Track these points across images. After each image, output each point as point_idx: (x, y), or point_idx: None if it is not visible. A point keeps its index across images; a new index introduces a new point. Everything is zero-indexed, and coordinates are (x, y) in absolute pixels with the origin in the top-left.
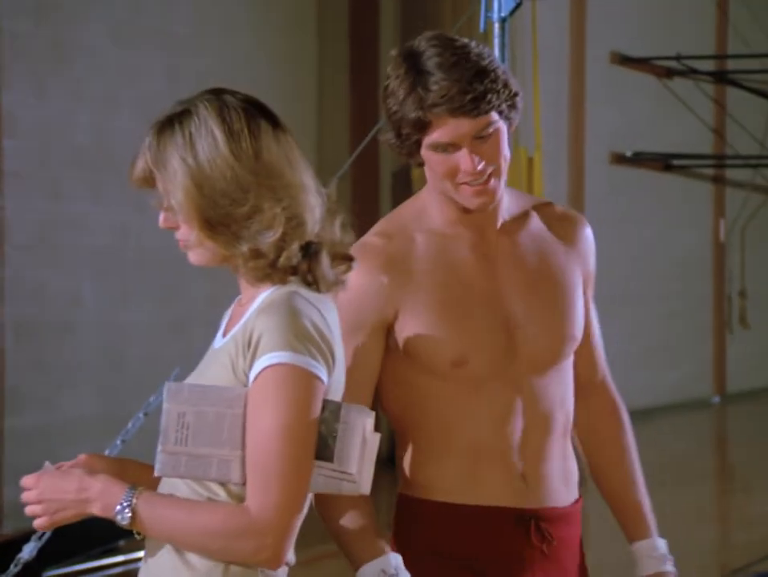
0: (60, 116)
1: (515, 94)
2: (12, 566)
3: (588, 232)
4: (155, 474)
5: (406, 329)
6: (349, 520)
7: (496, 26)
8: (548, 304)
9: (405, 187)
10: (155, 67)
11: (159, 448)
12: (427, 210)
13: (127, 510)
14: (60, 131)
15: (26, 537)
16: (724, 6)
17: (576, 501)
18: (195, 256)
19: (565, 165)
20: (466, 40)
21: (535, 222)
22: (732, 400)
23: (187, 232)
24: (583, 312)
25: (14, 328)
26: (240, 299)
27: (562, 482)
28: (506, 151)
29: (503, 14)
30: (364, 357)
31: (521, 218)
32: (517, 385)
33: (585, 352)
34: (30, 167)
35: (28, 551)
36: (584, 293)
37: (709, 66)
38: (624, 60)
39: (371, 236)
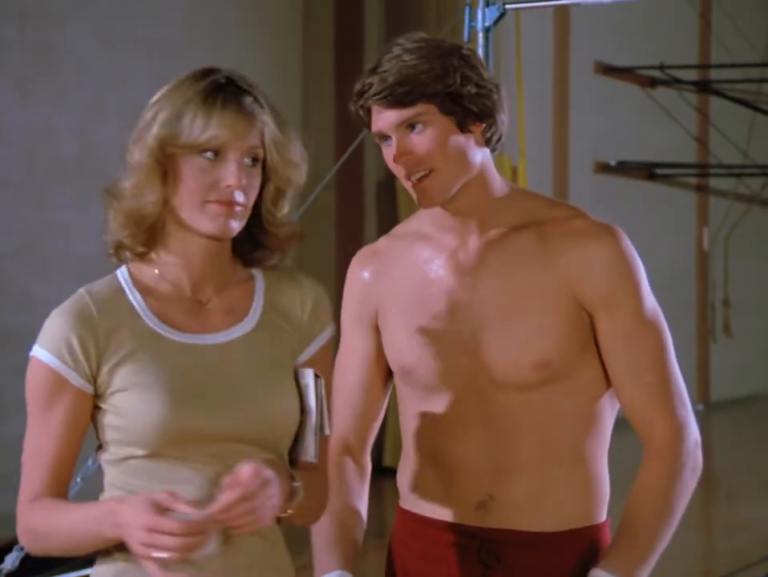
0: (46, 123)
1: (456, 85)
2: None
3: (602, 252)
4: (313, 460)
5: (382, 330)
6: (323, 530)
7: (480, 35)
8: (513, 326)
9: (389, 196)
10: (143, 73)
11: (316, 433)
12: (429, 214)
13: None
14: (46, 139)
15: (8, 547)
16: (707, 16)
17: (563, 531)
18: (238, 225)
19: (549, 174)
20: (442, 41)
21: (531, 236)
22: (716, 408)
23: (248, 201)
24: (567, 337)
25: None
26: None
27: (537, 505)
28: (450, 149)
29: (486, 24)
30: (357, 346)
31: (517, 229)
32: (480, 400)
33: (618, 389)
34: (15, 174)
35: (11, 562)
36: (593, 320)
37: (692, 75)
38: (608, 69)
39: (383, 237)
